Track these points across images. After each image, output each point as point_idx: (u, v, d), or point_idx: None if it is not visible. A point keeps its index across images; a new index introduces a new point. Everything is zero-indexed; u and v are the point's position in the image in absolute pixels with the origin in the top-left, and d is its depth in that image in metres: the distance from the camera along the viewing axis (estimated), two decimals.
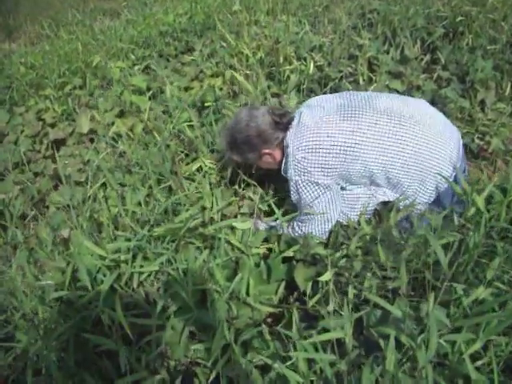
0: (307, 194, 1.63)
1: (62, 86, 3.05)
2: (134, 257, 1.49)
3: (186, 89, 2.81)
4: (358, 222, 1.70)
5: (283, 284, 1.53)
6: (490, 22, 3.00)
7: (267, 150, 1.72)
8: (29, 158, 2.48)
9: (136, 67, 2.81)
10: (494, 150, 2.36)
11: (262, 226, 1.86)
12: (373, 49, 2.65)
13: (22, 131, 2.68)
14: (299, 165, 1.59)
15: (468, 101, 2.44)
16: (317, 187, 1.61)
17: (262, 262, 1.62)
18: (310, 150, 1.56)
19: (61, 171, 2.23)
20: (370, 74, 2.58)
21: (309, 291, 1.47)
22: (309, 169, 1.58)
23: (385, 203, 1.70)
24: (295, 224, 1.76)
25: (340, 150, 1.54)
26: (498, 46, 2.80)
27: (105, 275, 1.41)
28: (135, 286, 1.44)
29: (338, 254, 1.50)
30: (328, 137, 1.55)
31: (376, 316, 1.29)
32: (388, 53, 2.77)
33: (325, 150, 1.55)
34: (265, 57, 2.79)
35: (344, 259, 1.52)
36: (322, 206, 1.65)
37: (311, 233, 1.72)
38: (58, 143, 2.64)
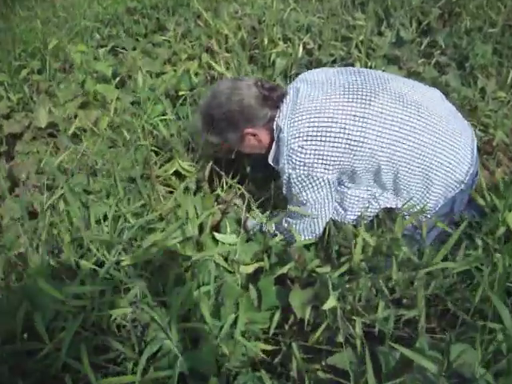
0: (301, 189, 1.39)
1: (18, 70, 2.70)
2: (102, 292, 1.24)
3: (158, 74, 2.51)
4: (355, 226, 1.50)
5: (278, 313, 1.32)
6: (486, 2, 2.79)
7: (251, 130, 1.44)
8: None
9: (101, 50, 2.48)
10: (498, 143, 2.17)
11: (252, 224, 1.64)
12: (367, 30, 2.40)
13: None
14: (294, 156, 1.32)
15: (470, 89, 2.23)
16: (313, 182, 1.36)
17: (251, 286, 1.40)
18: (310, 138, 1.30)
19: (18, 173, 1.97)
20: (366, 58, 2.33)
21: (307, 318, 1.27)
22: (306, 161, 1.31)
23: (388, 210, 1.49)
24: (283, 220, 1.53)
25: (347, 138, 1.29)
26: (496, 28, 2.60)
27: (66, 319, 1.15)
28: (105, 326, 1.20)
29: (339, 271, 1.29)
30: (333, 123, 1.29)
31: (395, 358, 1.09)
32: (381, 34, 2.53)
33: (328, 139, 1.29)
34: (246, 38, 2.51)
35: (347, 276, 1.32)
36: (317, 204, 1.42)
37: (300, 233, 1.51)
38: (15, 137, 2.33)
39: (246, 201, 1.64)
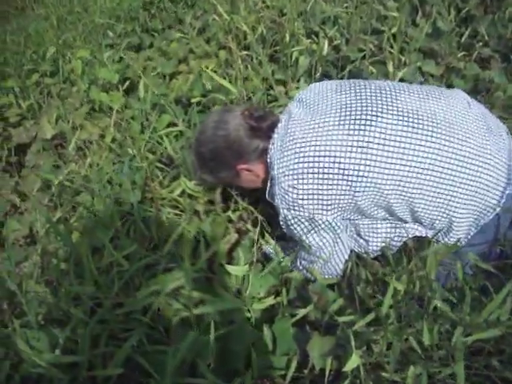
0: (301, 232, 1.20)
1: (29, 74, 2.59)
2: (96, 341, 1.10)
3: (172, 76, 2.34)
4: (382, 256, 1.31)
5: (296, 359, 1.16)
6: None
7: (244, 166, 1.29)
8: None
9: (106, 54, 2.33)
10: None
11: (268, 250, 1.47)
12: (400, 21, 2.16)
13: None
14: (287, 196, 1.15)
15: None
16: (313, 224, 1.17)
17: (266, 328, 1.24)
18: (301, 177, 1.12)
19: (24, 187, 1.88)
20: (399, 53, 2.09)
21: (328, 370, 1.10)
22: (299, 202, 1.14)
23: (417, 239, 1.28)
24: (298, 262, 1.34)
25: (344, 174, 1.09)
26: None
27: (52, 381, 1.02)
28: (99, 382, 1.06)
29: (363, 321, 1.11)
30: (326, 156, 1.09)
31: None
32: (416, 25, 2.28)
33: (321, 176, 1.10)
34: (266, 34, 2.31)
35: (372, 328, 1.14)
36: (324, 249, 1.23)
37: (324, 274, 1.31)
38: (25, 146, 2.23)
39: (260, 225, 1.47)
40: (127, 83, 2.13)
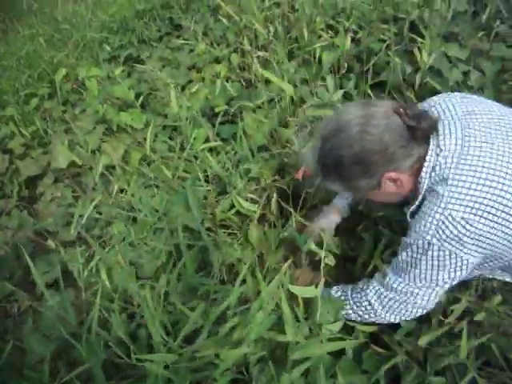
0: (434, 268, 1.00)
1: (27, 99, 2.40)
2: None
3: (184, 86, 2.18)
4: None
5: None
6: None
7: (393, 174, 1.02)
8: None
9: (118, 70, 2.13)
10: None
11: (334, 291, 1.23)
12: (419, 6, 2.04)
13: None
14: (451, 226, 0.93)
15: None
16: (452, 260, 0.97)
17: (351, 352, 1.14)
18: (480, 213, 0.92)
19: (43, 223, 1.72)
20: (422, 39, 1.96)
21: None
22: (464, 239, 0.93)
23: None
24: (374, 287, 1.12)
25: None
26: None
27: None
28: None
29: None
30: (508, 193, 0.91)
31: None
32: (432, 9, 2.16)
33: (500, 221, 0.92)
34: (282, 31, 2.16)
35: None
36: (438, 287, 1.04)
37: (391, 315, 1.11)
38: (35, 178, 2.05)
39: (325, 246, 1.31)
40: (140, 99, 1.95)
